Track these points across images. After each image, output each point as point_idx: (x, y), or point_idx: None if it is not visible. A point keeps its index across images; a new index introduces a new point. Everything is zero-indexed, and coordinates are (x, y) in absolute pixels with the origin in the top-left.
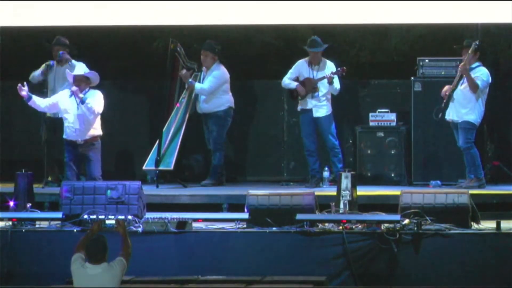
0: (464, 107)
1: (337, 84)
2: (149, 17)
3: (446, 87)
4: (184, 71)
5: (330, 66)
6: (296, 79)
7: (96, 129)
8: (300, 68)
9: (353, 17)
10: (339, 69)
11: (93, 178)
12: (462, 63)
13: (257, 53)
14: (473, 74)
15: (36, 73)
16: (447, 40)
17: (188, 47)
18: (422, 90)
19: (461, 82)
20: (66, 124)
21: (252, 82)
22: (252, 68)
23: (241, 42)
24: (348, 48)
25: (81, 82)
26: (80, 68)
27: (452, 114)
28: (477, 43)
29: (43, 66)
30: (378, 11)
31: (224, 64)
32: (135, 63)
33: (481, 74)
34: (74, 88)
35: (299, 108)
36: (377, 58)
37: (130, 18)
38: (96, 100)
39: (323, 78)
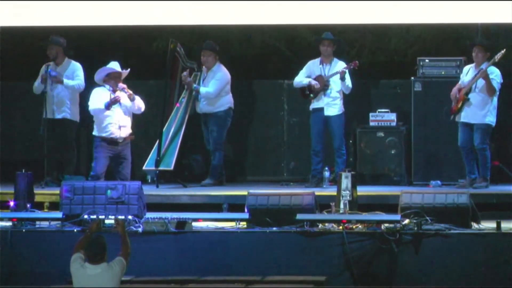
0: (482, 110)
1: (348, 81)
2: (149, 17)
3: (455, 89)
4: (187, 79)
5: (341, 65)
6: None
7: (130, 127)
8: (312, 67)
9: (353, 17)
10: (351, 63)
11: (127, 178)
12: (482, 69)
13: (257, 53)
14: None
15: (37, 83)
16: (447, 40)
17: (188, 47)
18: (422, 90)
19: (475, 85)
20: (107, 121)
21: (252, 82)
22: (252, 68)
23: (241, 42)
24: (348, 48)
25: (118, 79)
26: (115, 65)
27: (469, 116)
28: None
29: (41, 73)
30: (378, 11)
31: (224, 64)
32: (135, 63)
33: (495, 75)
34: (123, 85)
35: (311, 107)
36: (377, 58)
37: (130, 18)
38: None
39: (335, 74)
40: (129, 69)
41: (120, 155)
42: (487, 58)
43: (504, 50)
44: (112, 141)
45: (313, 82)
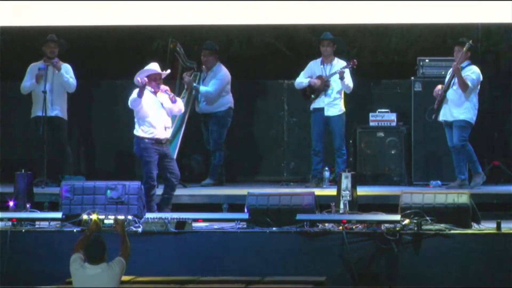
0: (458, 107)
1: (348, 80)
2: (149, 17)
3: (438, 87)
4: (187, 78)
5: (342, 64)
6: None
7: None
8: (313, 67)
9: (353, 17)
10: (349, 62)
11: (177, 176)
12: (454, 63)
13: (257, 53)
14: (463, 74)
15: (27, 84)
16: (447, 40)
17: (188, 47)
18: (422, 90)
19: (452, 82)
20: (154, 123)
21: (252, 82)
22: (252, 68)
23: (241, 42)
24: (348, 48)
25: (158, 81)
26: (155, 66)
27: (447, 114)
28: (471, 42)
29: (28, 72)
30: (378, 11)
31: (224, 64)
32: (135, 63)
33: (472, 73)
34: (166, 87)
35: (311, 107)
36: (377, 58)
37: (130, 18)
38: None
39: (334, 73)
40: (169, 70)
41: (166, 155)
42: (467, 57)
43: (470, 40)
44: (158, 142)
45: (312, 81)
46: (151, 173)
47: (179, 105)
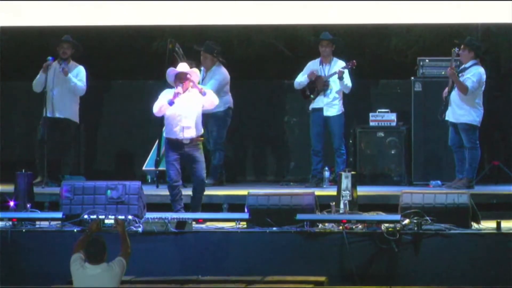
0: (460, 109)
1: (347, 80)
2: (149, 17)
3: (446, 89)
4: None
5: (340, 64)
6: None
7: (201, 129)
8: (312, 67)
9: (353, 17)
10: (349, 62)
11: (202, 179)
12: (449, 67)
13: (257, 53)
14: (465, 74)
15: (38, 80)
16: (447, 40)
17: (188, 47)
18: (422, 90)
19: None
20: (172, 122)
21: (252, 82)
22: (252, 68)
23: (241, 42)
24: (348, 48)
25: (188, 81)
26: (182, 66)
27: (450, 115)
28: (456, 49)
29: (43, 68)
30: (378, 11)
31: (224, 64)
32: (135, 63)
33: (472, 75)
34: (190, 79)
35: (310, 107)
36: (377, 58)
37: (130, 18)
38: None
39: (333, 74)
40: (197, 70)
41: (190, 157)
42: (471, 58)
43: (456, 47)
44: (178, 142)
45: (311, 75)
46: (168, 172)
47: (210, 98)
